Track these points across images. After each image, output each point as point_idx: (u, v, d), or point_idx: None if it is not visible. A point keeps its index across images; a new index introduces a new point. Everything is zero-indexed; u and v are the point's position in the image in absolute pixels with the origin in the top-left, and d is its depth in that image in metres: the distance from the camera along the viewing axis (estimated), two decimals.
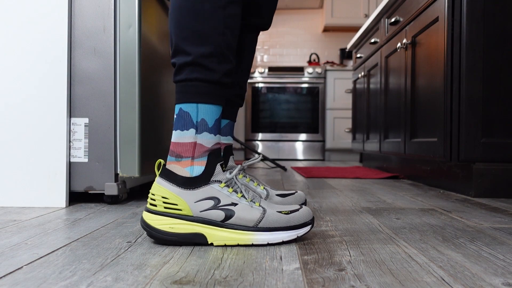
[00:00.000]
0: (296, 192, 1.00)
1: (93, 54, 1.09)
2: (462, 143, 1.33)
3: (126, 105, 1.10)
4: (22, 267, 0.57)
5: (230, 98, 0.94)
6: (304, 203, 1.01)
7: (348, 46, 3.01)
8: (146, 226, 0.70)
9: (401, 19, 1.87)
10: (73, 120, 1.09)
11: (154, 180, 1.67)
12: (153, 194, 0.70)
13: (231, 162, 0.95)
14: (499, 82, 1.33)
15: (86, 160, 1.09)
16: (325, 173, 2.21)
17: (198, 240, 0.69)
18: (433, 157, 1.47)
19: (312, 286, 0.50)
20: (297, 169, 2.48)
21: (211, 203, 0.69)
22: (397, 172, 2.09)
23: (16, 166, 1.05)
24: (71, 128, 1.09)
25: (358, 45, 2.86)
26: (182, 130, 0.72)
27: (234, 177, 0.73)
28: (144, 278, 0.53)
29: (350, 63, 4.60)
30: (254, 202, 0.71)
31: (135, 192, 1.36)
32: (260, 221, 0.69)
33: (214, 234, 0.69)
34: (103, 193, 1.11)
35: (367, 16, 4.40)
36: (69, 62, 1.08)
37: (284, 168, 2.46)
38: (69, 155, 1.08)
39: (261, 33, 4.86)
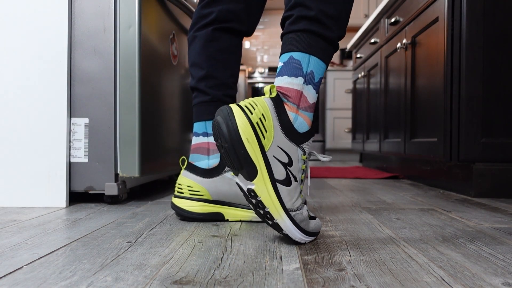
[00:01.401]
0: None
1: (93, 54, 1.09)
2: (462, 143, 1.33)
3: (126, 105, 1.10)
4: (22, 267, 0.57)
5: (221, 99, 0.94)
6: (304, 203, 1.01)
7: (348, 46, 3.01)
8: (229, 117, 0.66)
9: (401, 19, 1.87)
10: (73, 120, 1.09)
11: (154, 180, 1.67)
12: (256, 104, 0.67)
13: None
14: (499, 82, 1.33)
15: (86, 160, 1.09)
16: (325, 173, 2.21)
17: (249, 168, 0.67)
18: (433, 157, 1.47)
19: (312, 286, 0.50)
20: None
21: (285, 159, 0.68)
22: (397, 172, 2.09)
23: (16, 166, 1.05)
24: (71, 128, 1.09)
25: (358, 45, 2.86)
26: (290, 76, 0.71)
27: (308, 161, 0.73)
28: (144, 278, 0.53)
29: (350, 63, 4.60)
30: (301, 193, 0.72)
31: (135, 192, 1.36)
32: (295, 210, 0.68)
33: (264, 177, 0.66)
34: (103, 193, 1.11)
35: (367, 16, 4.40)
36: (69, 62, 1.08)
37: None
38: (69, 155, 1.08)
39: (261, 33, 4.86)
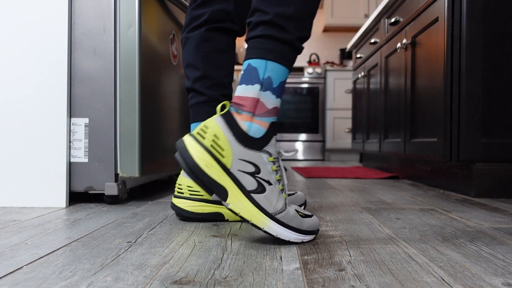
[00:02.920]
0: (296, 192, 1.00)
1: (93, 54, 1.09)
2: (462, 143, 1.33)
3: (126, 105, 1.10)
4: (22, 267, 0.57)
5: (218, 99, 0.94)
6: (304, 204, 1.01)
7: (348, 46, 3.01)
8: (183, 151, 0.67)
9: (401, 19, 1.87)
10: (73, 120, 1.09)
11: (154, 180, 1.67)
12: (207, 127, 0.68)
13: None
14: (499, 82, 1.33)
15: (86, 160, 1.09)
16: (325, 173, 2.21)
17: (221, 189, 0.68)
18: (433, 157, 1.47)
19: (312, 286, 0.50)
20: (297, 169, 2.48)
21: (251, 169, 0.68)
22: (397, 172, 2.09)
23: (16, 166, 1.05)
24: (71, 128, 1.09)
25: (358, 45, 2.86)
26: (247, 85, 0.71)
27: (279, 159, 0.73)
28: (144, 278, 0.53)
29: (350, 63, 4.60)
30: (283, 192, 0.71)
31: (135, 192, 1.36)
32: (280, 213, 0.69)
33: (236, 193, 0.67)
34: (103, 193, 1.11)
35: (367, 16, 4.40)
36: (69, 62, 1.08)
37: (284, 168, 2.46)
38: (69, 155, 1.08)
39: None
